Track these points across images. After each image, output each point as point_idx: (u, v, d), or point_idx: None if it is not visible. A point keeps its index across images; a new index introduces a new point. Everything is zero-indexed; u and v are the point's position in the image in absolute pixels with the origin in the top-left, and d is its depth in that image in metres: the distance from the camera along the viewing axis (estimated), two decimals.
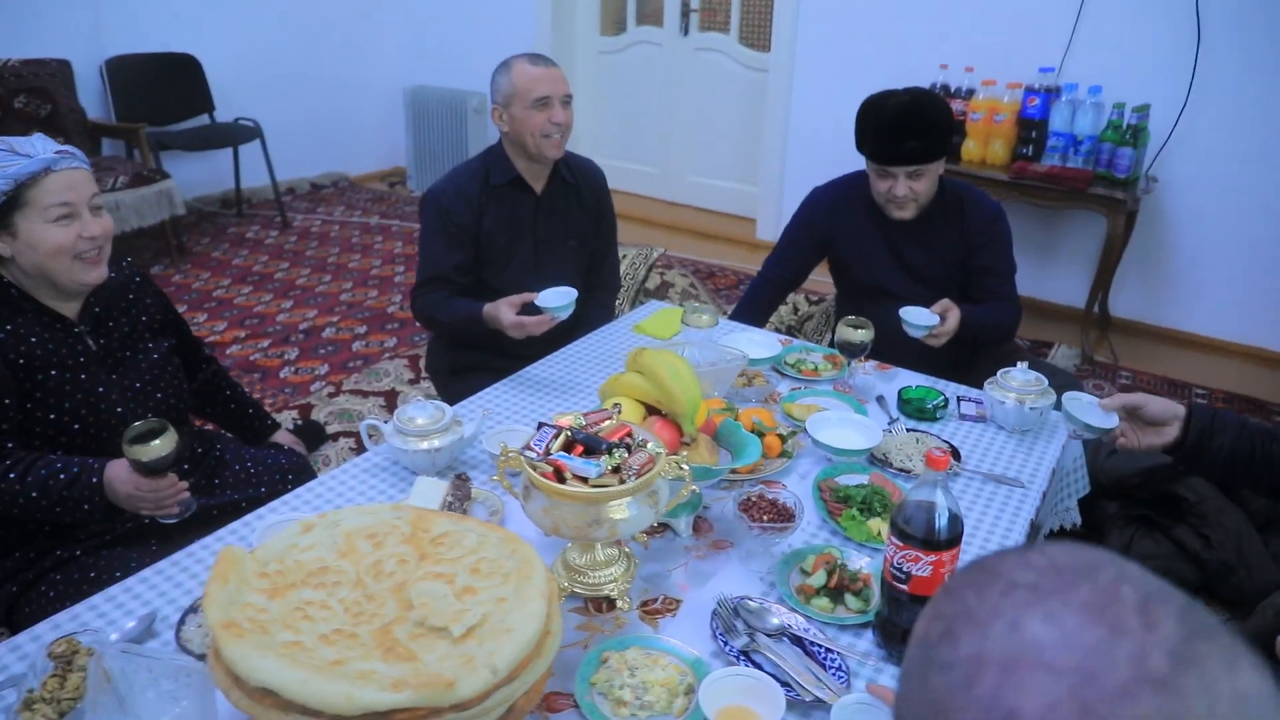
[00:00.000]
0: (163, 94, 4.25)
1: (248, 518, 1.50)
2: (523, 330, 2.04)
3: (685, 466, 1.27)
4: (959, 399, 1.99)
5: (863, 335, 1.98)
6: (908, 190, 2.27)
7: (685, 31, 4.69)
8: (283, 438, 2.09)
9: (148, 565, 1.53)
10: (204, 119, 4.44)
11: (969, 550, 1.42)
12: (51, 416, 1.56)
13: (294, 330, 3.35)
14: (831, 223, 2.49)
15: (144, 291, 1.79)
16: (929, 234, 2.38)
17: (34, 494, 1.49)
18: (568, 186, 2.40)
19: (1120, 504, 2.12)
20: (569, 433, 1.29)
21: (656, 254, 3.26)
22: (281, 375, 2.98)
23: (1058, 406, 1.83)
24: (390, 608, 1.05)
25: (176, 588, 1.33)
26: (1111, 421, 1.49)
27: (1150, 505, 2.07)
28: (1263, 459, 1.42)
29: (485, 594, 1.06)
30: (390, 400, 2.90)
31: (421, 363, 3.13)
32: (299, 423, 2.53)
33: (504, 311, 2.06)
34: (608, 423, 1.34)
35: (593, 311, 2.44)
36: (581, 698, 1.13)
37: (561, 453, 1.27)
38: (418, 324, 3.04)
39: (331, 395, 2.87)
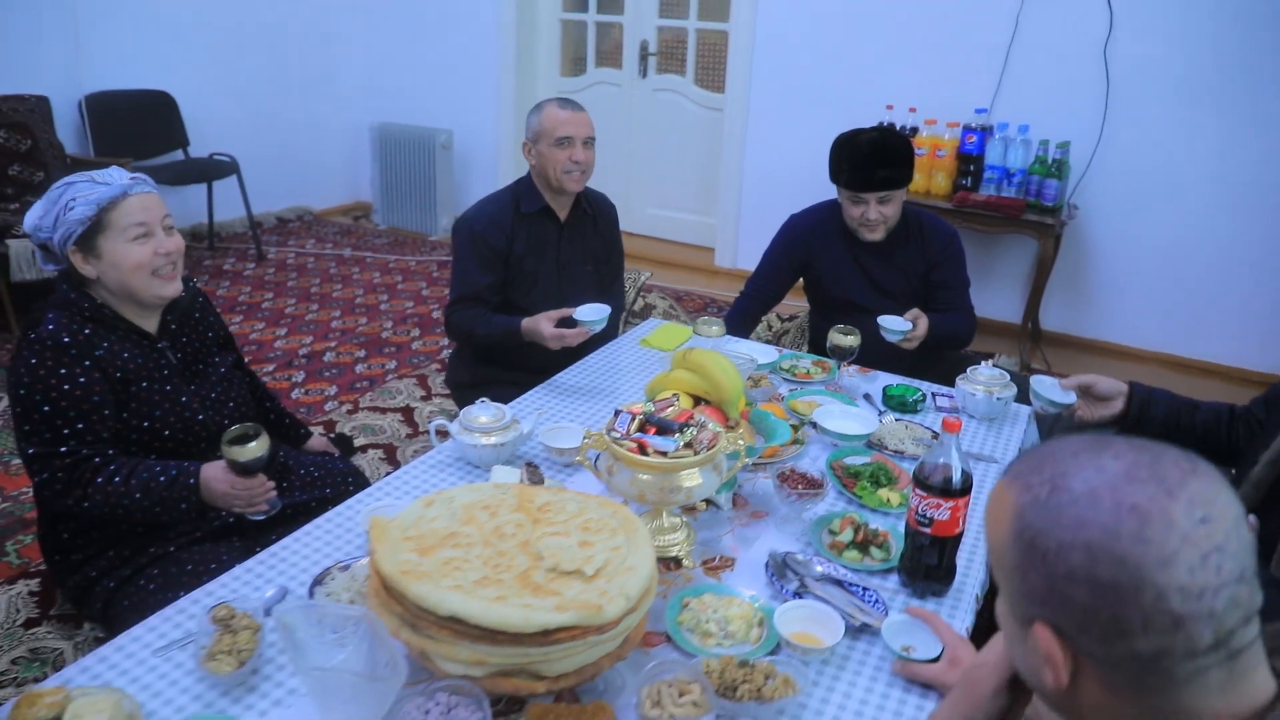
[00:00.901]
0: (140, 130, 4.34)
1: (329, 514, 1.64)
2: (561, 341, 2.28)
3: (741, 441, 1.52)
4: (933, 394, 2.29)
5: (852, 340, 2.27)
6: (878, 214, 2.58)
7: (644, 74, 5.00)
8: (316, 444, 2.26)
9: (238, 560, 1.69)
10: (178, 155, 4.53)
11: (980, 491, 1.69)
12: (145, 425, 1.71)
13: (295, 355, 3.48)
14: (808, 246, 2.79)
15: (208, 310, 1.95)
16: (894, 254, 2.70)
17: (137, 495, 1.63)
18: (586, 217, 2.65)
19: None
20: (644, 417, 1.53)
21: (644, 278, 3.53)
22: (293, 396, 3.12)
23: (1019, 399, 2.15)
24: (521, 560, 1.25)
25: (280, 575, 1.48)
26: (1070, 398, 1.79)
27: None
28: (1187, 425, 1.75)
29: (601, 545, 1.28)
30: (408, 415, 3.07)
31: (430, 381, 3.33)
32: (330, 436, 2.69)
33: (544, 325, 2.29)
34: (671, 409, 1.58)
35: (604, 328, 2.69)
36: (674, 634, 1.35)
37: (639, 433, 1.50)
38: (447, 339, 3.24)
39: (351, 413, 3.03)
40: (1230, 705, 0.70)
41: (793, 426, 1.97)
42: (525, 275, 2.55)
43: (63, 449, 1.61)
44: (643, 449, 1.46)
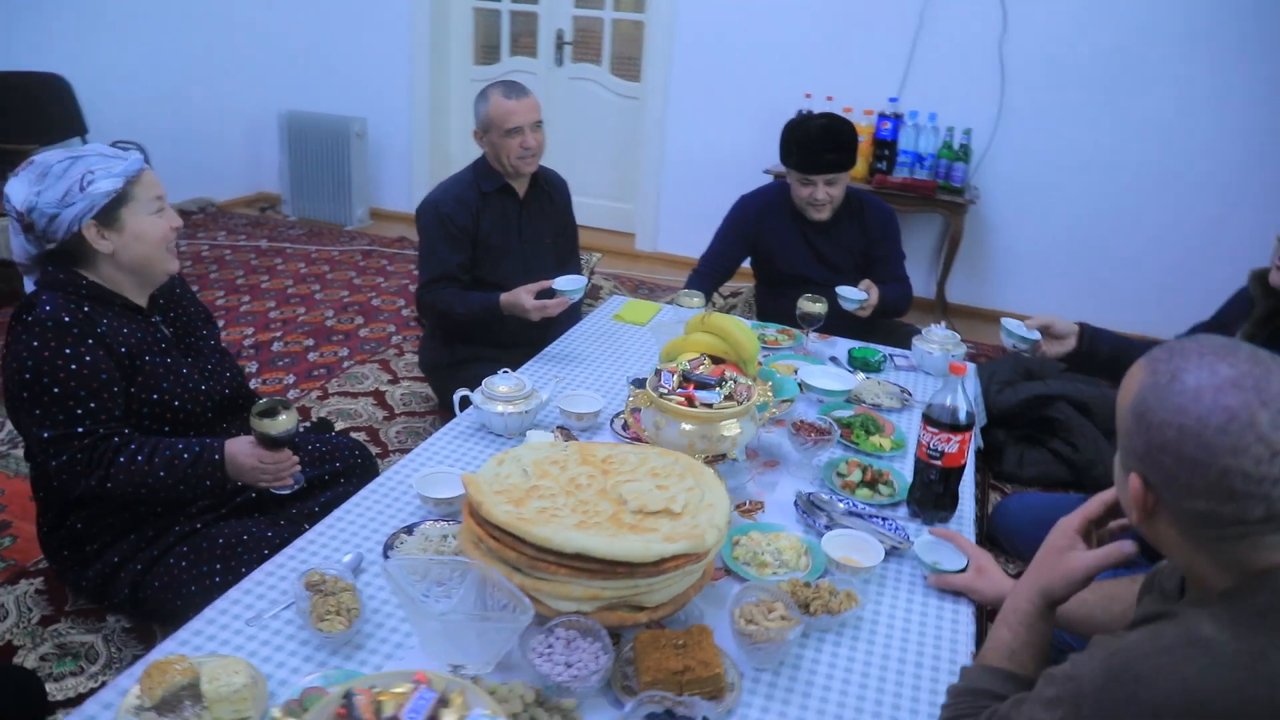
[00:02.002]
0: (32, 114, 4.06)
1: (372, 486, 1.67)
2: (543, 312, 2.37)
3: (771, 393, 1.67)
4: (890, 355, 2.51)
5: (820, 308, 2.45)
6: (825, 195, 2.79)
7: (560, 63, 5.07)
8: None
9: (267, 532, 1.70)
10: (76, 142, 4.27)
11: None
12: (154, 398, 1.69)
13: (241, 346, 3.38)
14: (758, 225, 2.97)
15: (185, 287, 1.93)
16: (838, 231, 2.91)
17: (161, 473, 1.61)
18: (543, 193, 2.74)
19: (1009, 430, 2.73)
20: (683, 374, 1.65)
21: (596, 259, 3.63)
22: (253, 385, 3.04)
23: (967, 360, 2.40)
24: (605, 506, 1.35)
25: (345, 544, 1.51)
26: (1037, 335, 2.04)
27: (1031, 427, 2.70)
28: (1125, 360, 2.00)
29: (675, 487, 1.39)
30: (380, 399, 3.06)
31: (393, 365, 3.32)
32: (308, 424, 2.66)
33: (525, 298, 2.37)
34: (703, 367, 1.71)
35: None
36: (734, 567, 1.48)
37: (681, 389, 1.62)
38: (421, 320, 3.21)
39: (322, 398, 2.99)
40: (1268, 557, 0.88)
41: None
42: (492, 251, 2.62)
43: (79, 429, 1.58)
44: (690, 402, 1.59)
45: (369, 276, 4.30)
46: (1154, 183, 4.01)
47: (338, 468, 2.01)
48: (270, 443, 1.60)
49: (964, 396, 1.64)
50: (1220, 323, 1.90)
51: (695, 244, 4.98)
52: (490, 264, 2.62)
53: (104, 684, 1.42)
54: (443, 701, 0.86)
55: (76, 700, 1.65)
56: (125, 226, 1.63)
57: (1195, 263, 4.02)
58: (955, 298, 4.41)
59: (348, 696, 0.84)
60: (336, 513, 1.59)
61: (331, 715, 0.84)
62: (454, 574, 1.29)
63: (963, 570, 1.49)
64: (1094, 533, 1.14)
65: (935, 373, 2.41)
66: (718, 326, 1.81)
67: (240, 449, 1.65)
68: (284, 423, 1.59)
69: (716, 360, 1.85)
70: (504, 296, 2.44)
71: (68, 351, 1.56)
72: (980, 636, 1.38)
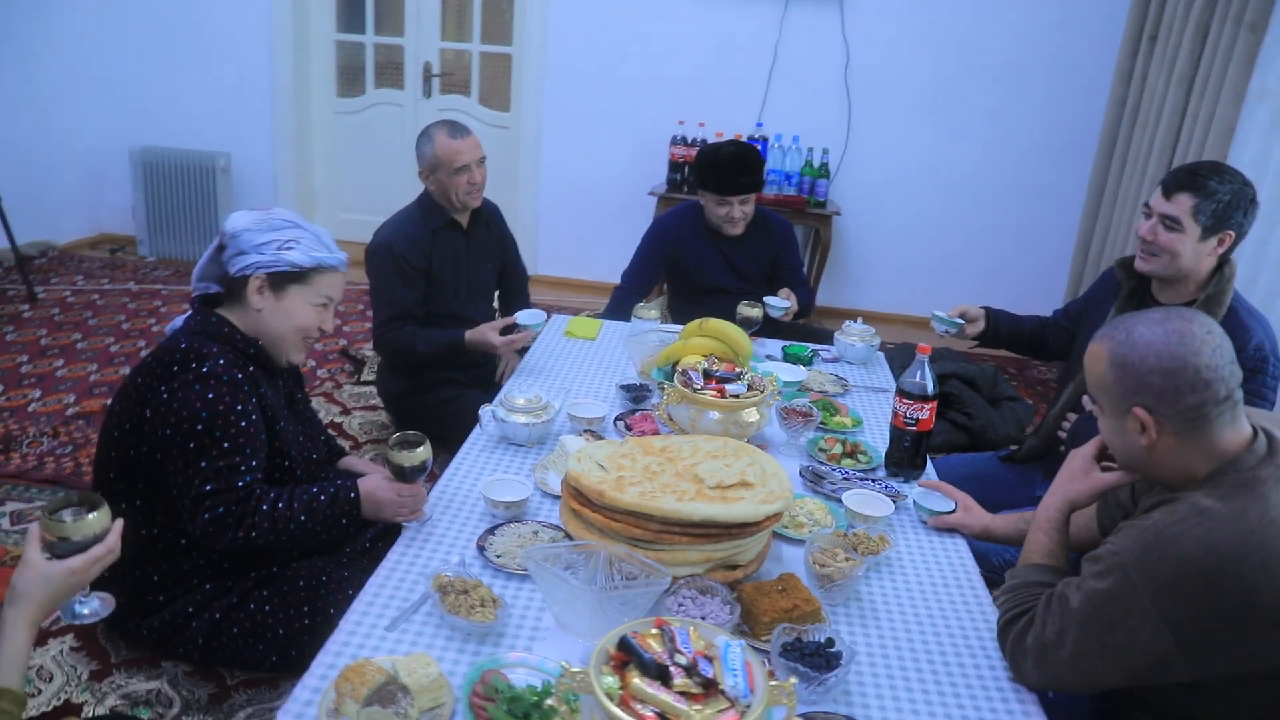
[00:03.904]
0: None
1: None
2: (510, 346, 2.53)
3: (776, 384, 1.94)
4: (815, 350, 2.86)
5: (758, 312, 2.77)
6: (741, 213, 3.12)
7: (428, 94, 5.15)
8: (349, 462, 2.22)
9: (346, 570, 1.77)
10: None
11: (889, 410, 2.23)
12: (285, 464, 1.74)
13: None
14: (676, 242, 3.26)
15: None
16: (748, 245, 3.25)
17: (302, 517, 1.65)
18: (483, 221, 2.90)
19: None
20: (705, 372, 1.89)
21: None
22: None
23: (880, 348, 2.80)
24: (688, 485, 1.56)
25: (422, 553, 1.65)
26: (960, 320, 2.45)
27: None
28: (1022, 333, 2.49)
29: (738, 464, 1.62)
30: (339, 430, 3.06)
31: (338, 396, 3.32)
32: None
33: (491, 335, 2.53)
34: (718, 365, 1.96)
35: (524, 305, 2.99)
36: (778, 529, 1.74)
37: (708, 385, 1.87)
38: (348, 353, 3.16)
39: None
40: (1234, 437, 1.26)
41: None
42: (444, 285, 2.75)
43: (239, 484, 1.61)
44: (722, 395, 1.83)
45: None
46: (976, 190, 4.69)
47: None
48: (405, 475, 1.64)
49: (929, 372, 1.99)
50: (1089, 302, 2.38)
51: (576, 266, 5.25)
52: (442, 298, 2.74)
53: None
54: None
55: None
56: (285, 299, 1.69)
57: (1011, 255, 4.74)
58: (820, 300, 4.91)
59: (623, 640, 1.02)
60: (411, 527, 1.68)
61: (607, 658, 1.02)
62: (580, 557, 1.46)
63: (953, 511, 1.83)
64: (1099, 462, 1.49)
65: (857, 361, 2.79)
66: (716, 330, 2.07)
67: (376, 485, 1.68)
68: (420, 455, 1.63)
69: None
70: (469, 335, 2.58)
71: (239, 408, 1.60)
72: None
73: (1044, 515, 1.47)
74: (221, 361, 1.62)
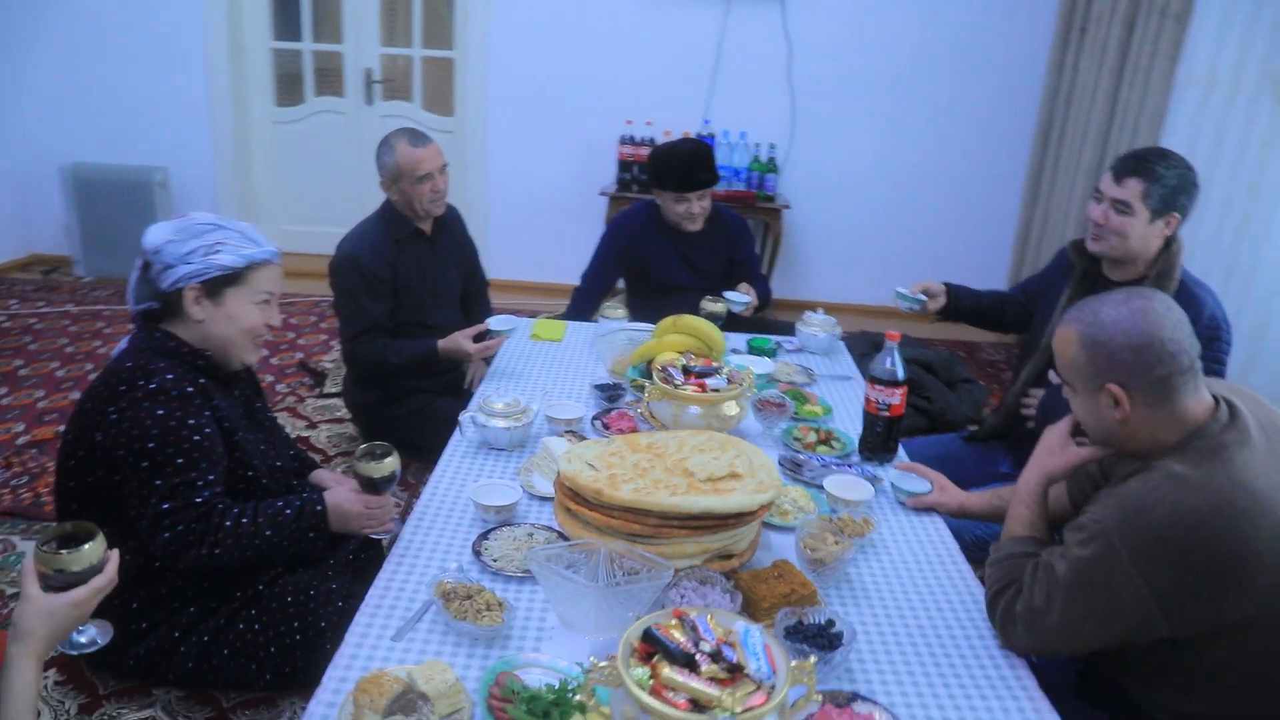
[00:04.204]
0: None
1: (416, 513, 1.76)
2: (485, 352, 2.52)
3: (752, 377, 1.99)
4: (779, 342, 2.92)
5: (721, 307, 2.81)
6: (700, 209, 3.16)
7: (370, 101, 5.08)
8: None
9: (333, 583, 1.75)
10: None
11: (855, 397, 2.30)
12: (249, 474, 1.71)
13: None
14: (633, 241, 3.29)
15: None
16: (706, 241, 3.30)
17: (267, 532, 1.61)
18: (446, 227, 2.89)
19: None
20: (685, 366, 1.92)
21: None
22: None
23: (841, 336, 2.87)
24: (679, 480, 1.59)
25: (417, 562, 1.65)
26: (923, 298, 2.52)
27: None
28: (983, 306, 2.58)
29: (725, 457, 1.66)
30: (308, 444, 3.01)
31: (301, 410, 3.27)
32: None
33: (464, 343, 2.52)
34: (695, 360, 1.99)
35: (488, 310, 2.99)
36: (765, 518, 1.78)
37: (688, 381, 1.90)
38: (308, 366, 3.08)
39: None
40: (1198, 406, 1.34)
41: None
42: (411, 294, 2.74)
43: (198, 500, 1.57)
44: (703, 390, 1.87)
45: None
46: (920, 180, 4.82)
47: None
48: (375, 486, 1.62)
49: (899, 359, 2.05)
50: (1045, 280, 2.48)
51: (528, 268, 5.24)
52: (410, 306, 2.72)
53: None
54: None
55: None
56: (224, 304, 1.65)
57: (955, 241, 4.89)
58: (774, 293, 4.99)
59: (647, 632, 1.05)
60: (404, 537, 1.68)
61: (632, 651, 1.04)
62: (580, 556, 1.48)
63: (929, 492, 1.90)
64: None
65: (820, 351, 2.85)
66: (689, 327, 2.11)
67: (344, 497, 1.66)
68: (389, 465, 1.61)
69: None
70: (442, 344, 2.57)
71: (190, 422, 1.57)
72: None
73: (1024, 489, 1.54)
74: (169, 376, 1.58)
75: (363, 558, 2.02)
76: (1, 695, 1.09)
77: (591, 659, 1.02)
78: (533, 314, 3.75)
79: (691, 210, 3.15)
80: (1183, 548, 1.23)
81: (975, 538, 2.18)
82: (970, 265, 4.84)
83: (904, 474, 1.96)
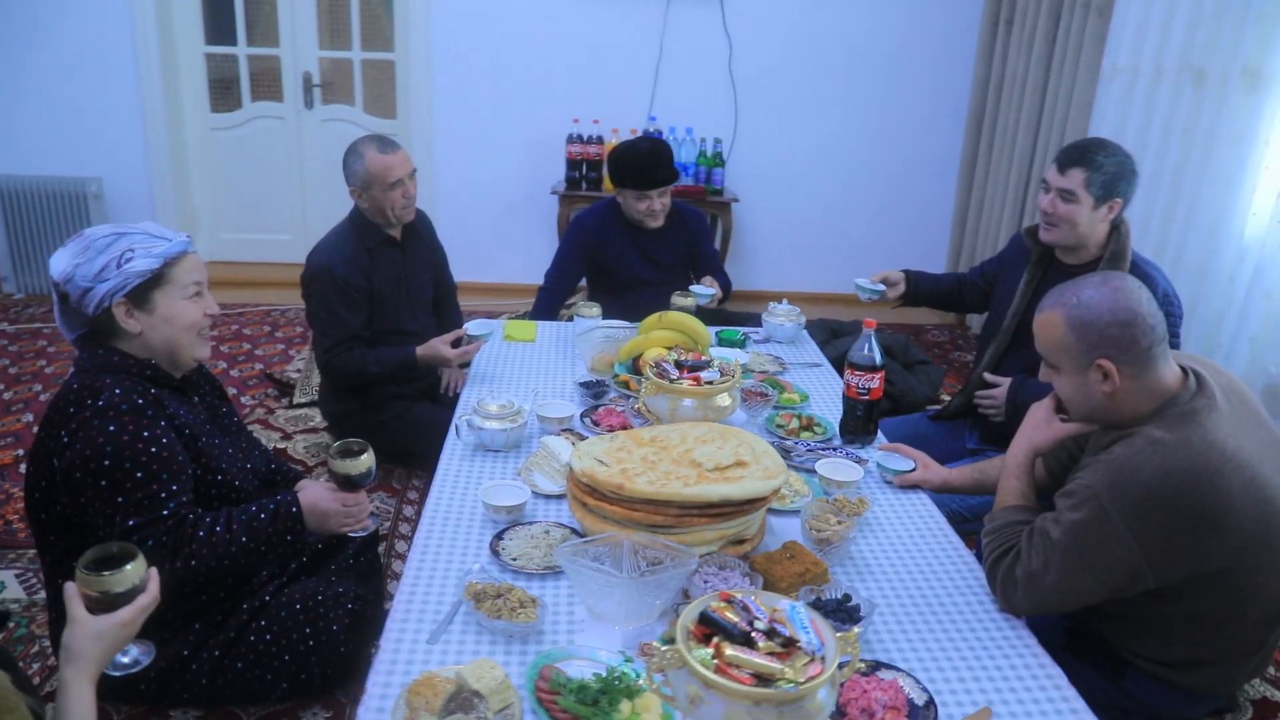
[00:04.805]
0: None
1: (430, 512, 1.78)
2: (464, 357, 2.54)
3: (739, 369, 2.07)
4: (745, 334, 3.01)
5: (691, 301, 2.88)
6: (660, 205, 3.23)
7: (310, 105, 5.00)
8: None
9: (340, 586, 1.77)
10: None
11: (826, 383, 2.40)
12: (219, 478, 1.69)
13: None
14: (596, 239, 3.34)
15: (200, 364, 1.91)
16: (667, 237, 3.37)
17: (243, 538, 1.60)
18: (416, 232, 2.89)
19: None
20: (677, 361, 1.99)
21: None
22: None
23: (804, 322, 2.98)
24: (688, 470, 1.66)
25: (433, 566, 1.68)
26: (882, 287, 2.63)
27: None
28: (941, 290, 2.72)
29: (728, 447, 1.73)
30: (287, 456, 2.97)
31: (274, 421, 3.23)
32: None
33: (443, 349, 2.53)
34: (686, 354, 2.06)
35: (458, 313, 3.02)
36: None
37: (682, 375, 1.96)
38: (272, 376, 3.04)
39: None
40: (1170, 375, 1.47)
41: None
42: (385, 302, 2.74)
43: (164, 512, 1.55)
44: (698, 383, 1.94)
45: None
46: (859, 169, 4.98)
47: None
48: (350, 484, 1.63)
49: (875, 345, 2.16)
50: (1002, 263, 2.61)
51: (480, 269, 5.22)
52: (385, 314, 2.72)
53: None
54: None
55: None
56: (156, 308, 1.61)
57: (895, 228, 5.07)
58: None
59: (703, 615, 1.11)
60: (418, 544, 1.70)
61: (688, 634, 1.11)
62: (605, 549, 1.53)
63: (913, 470, 2.01)
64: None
65: (786, 340, 2.95)
66: (675, 322, 2.18)
67: (319, 496, 1.66)
68: (365, 462, 1.63)
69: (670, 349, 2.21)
70: (420, 350, 2.58)
71: (145, 434, 1.54)
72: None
73: (1013, 462, 1.65)
74: (118, 391, 1.55)
75: (362, 560, 2.03)
76: (61, 718, 1.09)
77: (655, 644, 1.08)
78: (490, 315, 3.77)
79: (653, 207, 3.21)
80: (1166, 504, 1.36)
81: (952, 511, 2.30)
82: (912, 248, 5.03)
83: (888, 454, 2.06)
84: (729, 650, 1.05)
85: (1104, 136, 3.23)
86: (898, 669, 1.36)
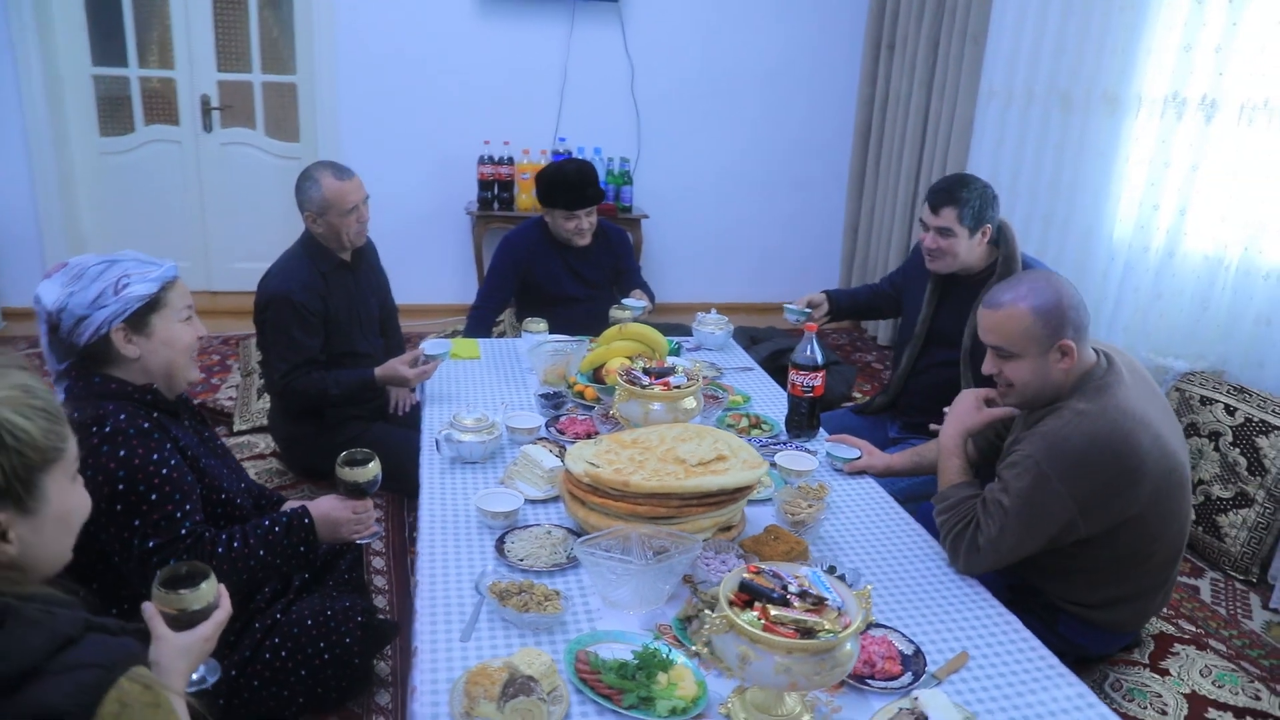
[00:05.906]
0: None
1: (426, 526, 1.88)
2: (423, 377, 2.61)
3: (701, 372, 2.24)
4: (679, 343, 3.20)
5: (628, 314, 3.03)
6: (589, 224, 3.38)
7: (208, 128, 4.87)
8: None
9: (347, 600, 1.83)
10: None
11: (761, 385, 2.60)
12: (222, 497, 1.73)
13: None
14: (525, 258, 3.46)
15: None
16: (592, 255, 3.52)
17: (261, 552, 1.67)
18: (364, 257, 2.94)
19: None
20: (645, 367, 2.14)
21: None
22: None
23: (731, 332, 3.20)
24: (674, 466, 1.82)
25: (441, 572, 1.77)
26: (808, 309, 2.87)
27: (777, 373, 3.59)
28: (859, 303, 2.99)
29: (706, 443, 1.90)
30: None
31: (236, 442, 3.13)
32: None
33: (402, 369, 2.59)
34: (651, 363, 2.21)
35: (400, 335, 3.11)
36: None
37: (653, 380, 2.12)
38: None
39: None
40: (1088, 353, 1.74)
41: None
42: (340, 325, 2.78)
43: (183, 531, 1.59)
44: (667, 387, 2.09)
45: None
46: (755, 184, 5.28)
47: None
48: (359, 491, 1.71)
49: (817, 347, 2.38)
50: (907, 274, 2.89)
51: (397, 291, 5.16)
52: (340, 337, 2.76)
53: None
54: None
55: None
56: (155, 333, 1.64)
57: (790, 240, 5.40)
58: None
59: (743, 583, 1.27)
60: (424, 555, 1.78)
61: (729, 602, 1.26)
62: (614, 543, 1.66)
63: (859, 457, 2.23)
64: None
65: (716, 348, 3.16)
66: (636, 333, 2.33)
67: (330, 506, 1.73)
68: (372, 469, 1.71)
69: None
70: (379, 371, 2.63)
71: (155, 457, 1.56)
72: None
73: (949, 444, 1.90)
74: (122, 417, 1.57)
75: (354, 575, 2.08)
76: None
77: (705, 611, 1.22)
78: (420, 336, 3.82)
79: (581, 226, 3.36)
80: (1094, 463, 1.62)
81: (893, 491, 2.54)
82: (808, 258, 5.38)
83: (834, 444, 2.28)
84: (774, 611, 1.21)
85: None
86: (886, 626, 1.56)
